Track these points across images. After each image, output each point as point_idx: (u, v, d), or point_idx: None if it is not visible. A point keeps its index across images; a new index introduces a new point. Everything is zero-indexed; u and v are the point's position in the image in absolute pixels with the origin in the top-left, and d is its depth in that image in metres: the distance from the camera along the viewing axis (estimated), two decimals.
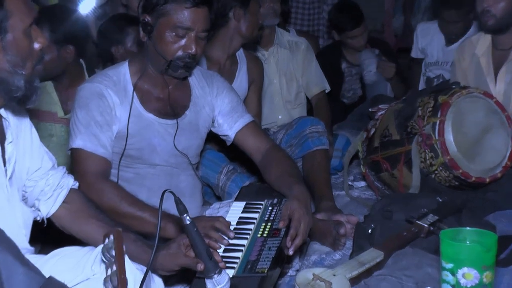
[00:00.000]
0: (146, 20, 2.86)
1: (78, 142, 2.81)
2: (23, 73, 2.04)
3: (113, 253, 1.85)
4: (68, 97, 3.61)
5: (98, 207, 2.48)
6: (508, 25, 3.72)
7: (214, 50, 3.85)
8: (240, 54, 4.01)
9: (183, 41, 2.82)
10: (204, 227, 2.45)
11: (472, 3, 4.53)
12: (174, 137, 2.97)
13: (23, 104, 2.12)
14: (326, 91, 4.74)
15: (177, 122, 2.98)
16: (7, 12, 1.99)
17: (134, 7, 4.99)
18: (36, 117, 3.52)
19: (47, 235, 2.43)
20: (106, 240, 1.89)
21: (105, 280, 1.83)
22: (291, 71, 4.58)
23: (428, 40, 5.18)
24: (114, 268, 1.83)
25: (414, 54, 5.35)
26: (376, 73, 5.05)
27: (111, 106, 2.88)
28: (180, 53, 2.83)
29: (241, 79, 3.94)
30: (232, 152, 3.52)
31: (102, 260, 1.94)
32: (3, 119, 2.17)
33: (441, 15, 4.98)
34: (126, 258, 2.02)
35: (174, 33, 2.81)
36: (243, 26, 3.85)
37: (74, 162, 2.82)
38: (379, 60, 5.10)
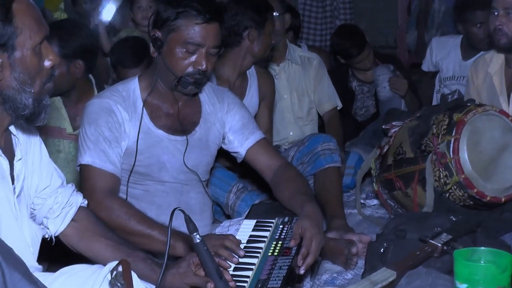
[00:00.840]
0: (157, 35, 2.87)
1: (87, 158, 2.81)
2: (32, 91, 2.04)
3: (122, 283, 1.89)
4: (77, 113, 3.63)
5: (106, 225, 2.49)
6: None
7: (225, 68, 3.85)
8: (251, 70, 4.02)
9: (193, 57, 2.82)
10: (214, 245, 2.45)
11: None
12: (184, 154, 2.98)
13: (31, 122, 2.12)
14: (338, 108, 4.75)
15: (187, 139, 2.98)
16: (16, 29, 1.99)
17: (139, 20, 5.06)
18: (44, 133, 3.53)
19: (55, 253, 2.43)
20: (114, 272, 1.92)
21: None
22: (303, 87, 4.58)
23: (444, 54, 5.16)
24: None
25: (426, 67, 5.34)
26: (390, 89, 5.06)
27: (120, 122, 2.89)
28: (190, 69, 2.83)
29: (252, 95, 3.95)
30: (243, 168, 3.52)
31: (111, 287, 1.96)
32: (12, 136, 2.17)
33: (465, 19, 4.93)
34: (135, 278, 2.04)
35: (184, 49, 2.82)
36: (256, 47, 3.86)
37: (83, 178, 2.83)
38: (391, 77, 5.10)
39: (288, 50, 4.59)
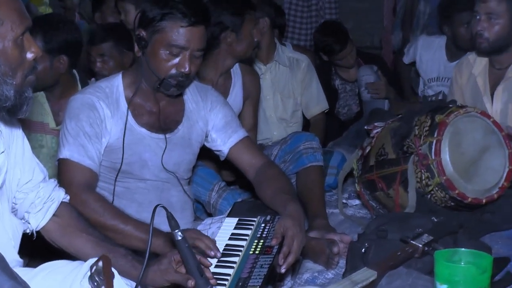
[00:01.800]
0: (141, 35, 2.87)
1: (66, 152, 2.81)
2: (13, 82, 2.04)
3: (101, 278, 1.90)
4: (60, 108, 3.61)
5: (88, 220, 2.49)
6: (502, 47, 3.75)
7: (206, 70, 3.82)
8: (235, 68, 4.01)
9: (177, 60, 2.82)
10: (192, 236, 2.46)
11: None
12: (163, 153, 2.98)
13: (13, 114, 2.11)
14: (326, 111, 4.75)
15: (166, 138, 2.99)
16: None
17: (130, 20, 5.06)
18: (27, 127, 3.52)
19: (36, 248, 2.43)
20: (94, 267, 1.93)
21: None
22: (289, 90, 4.56)
23: (430, 54, 5.19)
24: None
25: (407, 59, 5.35)
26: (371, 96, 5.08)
27: (102, 118, 2.88)
28: (173, 71, 2.83)
29: (236, 94, 3.94)
30: (226, 168, 3.53)
31: (90, 283, 1.97)
32: None
33: (451, 20, 4.95)
34: (116, 275, 2.05)
35: (168, 51, 2.82)
36: (236, 48, 3.84)
37: (60, 172, 2.82)
38: (367, 83, 5.10)
39: (276, 51, 4.57)
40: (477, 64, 3.92)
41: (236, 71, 4.01)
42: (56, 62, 3.59)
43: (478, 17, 3.73)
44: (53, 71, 3.60)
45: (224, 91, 3.82)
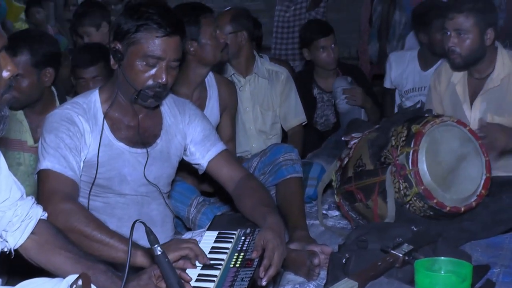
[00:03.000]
0: (117, 47, 2.86)
1: (46, 163, 2.78)
2: None
3: None
4: (38, 125, 3.58)
5: (66, 237, 2.47)
6: (476, 59, 3.78)
7: (179, 85, 3.75)
8: (210, 80, 3.99)
9: (153, 70, 2.82)
10: (175, 256, 2.45)
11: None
12: (145, 166, 2.98)
13: None
14: (304, 123, 4.76)
15: (147, 151, 2.98)
16: None
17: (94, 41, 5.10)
18: (4, 145, 3.50)
19: (14, 266, 2.41)
20: (74, 286, 1.93)
21: None
22: (268, 102, 4.55)
23: (403, 67, 5.22)
24: None
25: (388, 84, 5.38)
26: (347, 102, 5.09)
27: (82, 133, 2.87)
28: (150, 82, 2.82)
29: (212, 107, 3.93)
30: (205, 180, 3.52)
31: None
32: None
33: (428, 27, 4.98)
34: None
35: (144, 62, 2.81)
36: (202, 55, 3.80)
37: (41, 183, 2.78)
38: (345, 89, 5.12)
39: (255, 63, 4.56)
40: (456, 73, 3.95)
41: (212, 83, 3.99)
42: (42, 76, 3.58)
43: (448, 33, 3.77)
44: (40, 84, 3.59)
45: (200, 104, 3.79)
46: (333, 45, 5.22)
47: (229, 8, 4.81)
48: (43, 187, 2.76)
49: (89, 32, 5.22)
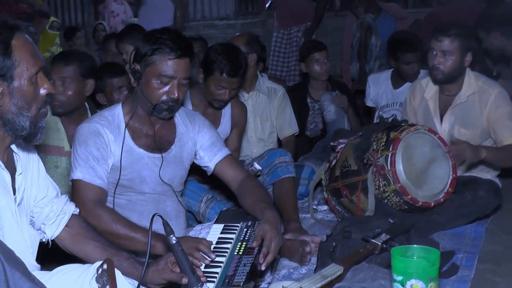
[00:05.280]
0: (136, 68, 2.87)
1: (78, 174, 2.80)
2: (29, 115, 2.03)
3: (106, 278, 1.90)
4: (74, 133, 3.59)
5: (95, 230, 2.48)
6: (454, 77, 3.79)
7: (197, 102, 3.80)
8: None
9: (167, 88, 2.83)
10: (189, 247, 2.45)
11: (423, 48, 4.66)
12: (160, 169, 2.98)
13: (29, 141, 2.11)
14: (296, 134, 4.76)
15: (162, 156, 2.98)
16: (14, 62, 1.99)
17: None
18: (43, 151, 3.50)
19: (51, 254, 2.41)
20: (100, 269, 1.93)
21: None
22: (267, 114, 4.53)
23: (379, 87, 5.22)
24: None
25: (369, 103, 5.38)
26: (335, 112, 5.08)
27: (107, 143, 2.88)
28: (164, 97, 2.83)
29: (226, 123, 3.89)
30: (213, 181, 3.51)
31: (97, 283, 1.96)
32: (14, 154, 2.16)
33: (397, 57, 5.00)
34: (119, 275, 2.05)
35: (159, 81, 2.82)
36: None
37: (74, 191, 2.81)
38: (334, 95, 5.13)
39: (258, 81, 4.55)
40: (429, 89, 3.95)
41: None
42: (85, 85, 3.58)
43: (434, 52, 3.76)
44: (82, 93, 3.58)
45: (214, 120, 3.75)
46: (325, 59, 5.22)
47: (242, 33, 4.87)
48: (76, 195, 2.78)
49: (127, 49, 5.26)
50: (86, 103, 3.73)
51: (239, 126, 4.00)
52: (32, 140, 2.10)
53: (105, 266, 1.99)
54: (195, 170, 3.29)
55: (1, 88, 1.99)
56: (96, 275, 1.98)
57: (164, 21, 5.94)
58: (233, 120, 3.95)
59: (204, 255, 2.47)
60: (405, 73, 4.94)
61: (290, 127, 4.66)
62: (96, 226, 2.54)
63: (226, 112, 3.93)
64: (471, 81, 3.80)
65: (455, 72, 3.76)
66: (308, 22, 7.00)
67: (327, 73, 5.23)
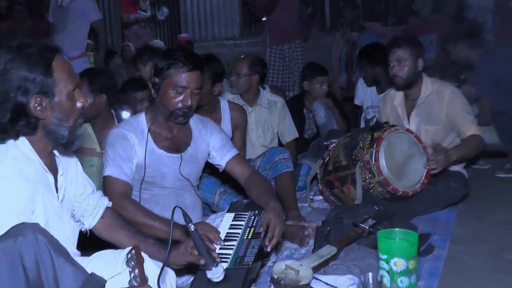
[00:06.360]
0: (156, 81, 2.88)
1: (108, 171, 2.81)
2: (67, 125, 2.05)
3: (134, 262, 1.91)
4: (102, 137, 3.57)
5: (125, 220, 2.48)
6: (412, 82, 3.81)
7: (201, 111, 3.74)
8: (224, 106, 3.96)
9: (181, 97, 2.83)
10: (204, 229, 2.46)
11: (376, 60, 4.69)
12: (179, 166, 2.99)
13: (68, 148, 2.13)
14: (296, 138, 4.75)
15: (181, 156, 2.99)
16: (55, 80, 2.00)
17: (144, 75, 5.18)
18: (80, 153, 3.50)
19: (89, 242, 2.42)
20: (129, 255, 1.94)
21: (130, 281, 1.91)
22: (268, 124, 4.50)
23: (365, 91, 5.24)
24: (136, 272, 1.91)
25: (357, 102, 5.41)
26: (325, 117, 5.08)
27: (132, 145, 2.88)
28: (179, 105, 2.84)
29: (225, 128, 3.84)
30: (225, 177, 3.51)
31: (127, 266, 1.97)
32: (56, 158, 2.17)
33: (363, 66, 5.10)
34: (146, 258, 2.06)
35: (175, 91, 2.83)
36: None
37: (104, 186, 2.82)
38: (321, 103, 5.15)
39: (260, 96, 4.51)
40: (396, 98, 3.98)
41: (225, 109, 3.95)
42: (97, 99, 3.57)
43: (392, 64, 3.80)
44: (96, 106, 3.58)
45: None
46: (326, 82, 5.23)
47: (247, 55, 4.72)
48: (106, 189, 2.78)
49: (140, 68, 5.36)
50: (113, 112, 3.74)
51: (241, 128, 3.99)
52: (70, 147, 2.12)
53: (133, 252, 2.00)
54: (209, 167, 3.29)
55: (44, 104, 2.00)
56: (125, 259, 1.98)
57: (78, 48, 5.91)
58: (233, 123, 3.94)
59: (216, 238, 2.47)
60: (371, 84, 5.03)
61: (290, 133, 4.61)
62: (123, 215, 2.54)
63: (226, 117, 3.92)
64: (428, 85, 3.83)
65: (412, 76, 3.79)
66: (298, 39, 7.00)
67: (325, 93, 5.24)
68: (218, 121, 3.85)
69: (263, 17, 7.40)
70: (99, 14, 6.08)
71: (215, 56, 3.96)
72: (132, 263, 1.95)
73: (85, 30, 6.00)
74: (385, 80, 4.85)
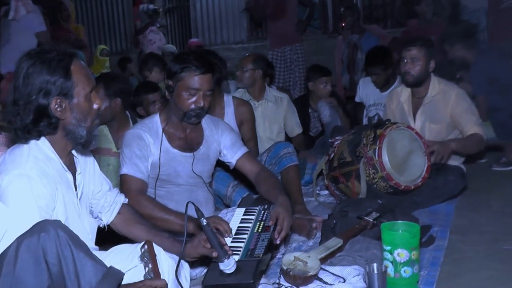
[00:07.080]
0: (169, 84, 2.86)
1: (124, 170, 2.80)
2: (85, 125, 2.05)
3: (148, 257, 1.91)
4: (118, 138, 3.58)
5: (141, 215, 2.47)
6: (422, 81, 3.77)
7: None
8: (228, 101, 3.92)
9: (194, 98, 2.81)
10: (215, 222, 2.46)
11: (387, 63, 4.68)
12: (192, 165, 2.97)
13: (86, 147, 2.13)
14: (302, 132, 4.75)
15: (194, 155, 2.98)
16: (73, 83, 2.00)
17: (151, 79, 5.21)
18: (97, 153, 3.50)
19: (107, 236, 2.41)
20: (142, 249, 1.92)
21: (145, 275, 1.92)
22: (275, 118, 4.52)
23: (368, 89, 5.21)
24: (150, 266, 1.92)
25: (358, 99, 5.39)
26: (329, 115, 5.07)
27: (147, 144, 2.87)
28: (192, 106, 2.83)
29: (229, 121, 3.78)
30: (235, 174, 3.50)
31: (141, 261, 1.96)
32: (74, 157, 2.17)
33: (368, 71, 5.06)
34: (162, 251, 2.05)
35: (188, 93, 2.81)
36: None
37: (122, 183, 2.81)
38: (326, 103, 5.13)
39: (266, 92, 4.53)
40: (403, 95, 3.93)
41: (229, 104, 3.91)
42: (112, 103, 3.56)
43: (405, 60, 3.76)
44: (111, 109, 3.57)
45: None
46: (330, 83, 5.22)
47: (250, 53, 4.86)
48: (123, 186, 2.78)
49: (146, 74, 5.41)
50: (128, 114, 3.73)
51: (248, 121, 3.95)
52: (88, 146, 2.12)
53: (146, 247, 1.99)
54: (221, 164, 3.27)
55: (64, 105, 2.00)
56: (140, 254, 1.97)
57: None
58: (238, 118, 3.90)
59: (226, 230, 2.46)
60: (376, 83, 4.99)
61: (296, 128, 4.65)
62: (139, 210, 2.53)
63: (229, 111, 3.89)
64: (435, 84, 3.79)
65: (422, 76, 3.75)
66: (298, 43, 6.97)
67: (329, 92, 5.22)
68: (221, 115, 3.83)
69: (262, 22, 7.39)
70: (43, 26, 5.71)
71: (213, 51, 3.99)
72: (146, 258, 1.94)
73: (31, 44, 5.43)
74: (380, 78, 4.87)
